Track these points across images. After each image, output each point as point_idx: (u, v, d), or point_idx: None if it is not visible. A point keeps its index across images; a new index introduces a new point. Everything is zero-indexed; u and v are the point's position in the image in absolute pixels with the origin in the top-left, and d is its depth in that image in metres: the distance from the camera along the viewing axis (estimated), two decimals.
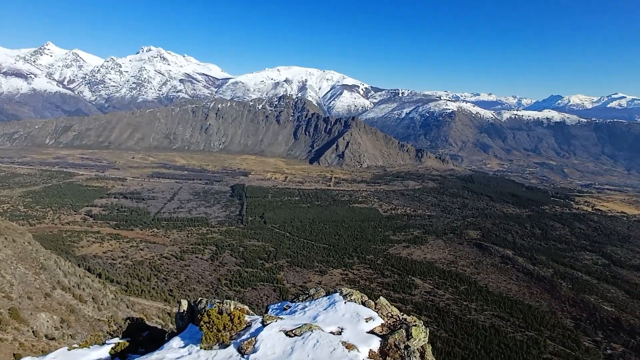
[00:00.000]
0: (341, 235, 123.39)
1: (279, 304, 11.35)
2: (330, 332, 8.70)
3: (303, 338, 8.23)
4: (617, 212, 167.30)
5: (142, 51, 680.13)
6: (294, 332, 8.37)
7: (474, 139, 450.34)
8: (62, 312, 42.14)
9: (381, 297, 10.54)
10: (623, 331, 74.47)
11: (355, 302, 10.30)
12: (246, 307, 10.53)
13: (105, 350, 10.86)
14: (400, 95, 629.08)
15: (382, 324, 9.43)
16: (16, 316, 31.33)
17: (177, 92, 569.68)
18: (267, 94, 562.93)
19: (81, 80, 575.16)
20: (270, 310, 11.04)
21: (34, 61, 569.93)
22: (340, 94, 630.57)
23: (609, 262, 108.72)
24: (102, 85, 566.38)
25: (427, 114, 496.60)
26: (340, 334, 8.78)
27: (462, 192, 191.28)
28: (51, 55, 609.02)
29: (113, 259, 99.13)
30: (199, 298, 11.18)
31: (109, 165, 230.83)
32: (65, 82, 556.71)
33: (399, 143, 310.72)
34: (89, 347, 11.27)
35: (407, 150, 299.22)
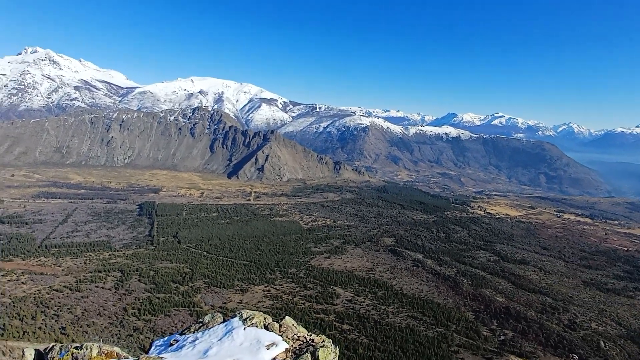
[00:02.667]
0: (262, 250, 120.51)
1: (166, 338, 9.86)
2: None
3: None
4: (503, 215, 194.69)
5: (26, 52, 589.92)
6: None
7: (386, 152, 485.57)
8: None
9: (287, 317, 9.77)
10: (512, 318, 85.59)
11: (257, 326, 9.26)
12: (116, 350, 8.69)
13: None
14: (317, 109, 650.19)
15: (286, 349, 8.44)
16: None
17: (72, 100, 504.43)
18: (179, 105, 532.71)
19: None
20: (153, 347, 9.39)
21: None
22: (259, 107, 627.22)
23: (498, 258, 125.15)
24: None
25: (344, 128, 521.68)
26: None
27: (377, 202, 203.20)
28: None
29: None
30: (52, 344, 8.97)
31: None
32: None
33: (317, 156, 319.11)
34: None
35: (325, 163, 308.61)
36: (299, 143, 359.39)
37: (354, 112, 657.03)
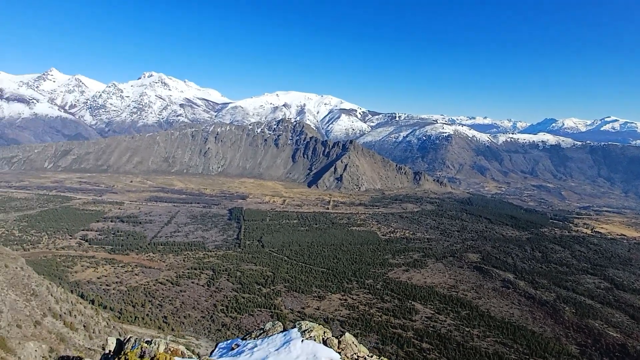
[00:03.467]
0: (340, 259, 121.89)
1: (229, 342, 10.13)
2: None
3: None
4: (617, 235, 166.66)
5: (144, 77, 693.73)
6: None
7: (470, 161, 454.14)
8: (52, 340, 40.92)
9: (347, 334, 9.16)
10: (630, 358, 72.49)
11: (315, 340, 8.77)
12: (181, 348, 8.98)
13: None
14: (397, 118, 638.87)
15: None
16: (3, 345, 30.36)
17: (177, 116, 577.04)
18: (265, 117, 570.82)
19: (83, 105, 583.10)
20: (217, 349, 9.75)
21: (37, 87, 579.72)
22: (338, 117, 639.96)
23: (611, 286, 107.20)
24: (104, 110, 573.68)
25: (424, 137, 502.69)
26: None
27: (460, 215, 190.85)
28: (54, 81, 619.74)
29: (107, 285, 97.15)
30: (129, 336, 9.57)
31: (106, 189, 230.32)
32: (66, 107, 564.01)
33: (396, 166, 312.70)
34: None
35: (404, 173, 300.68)
36: (378, 153, 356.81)
37: (436, 121, 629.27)
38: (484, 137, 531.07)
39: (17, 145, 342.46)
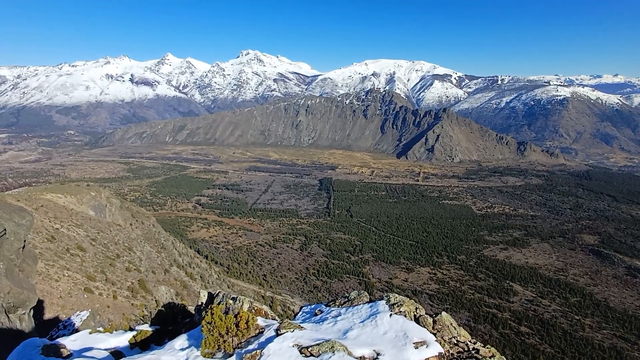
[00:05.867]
0: (430, 233, 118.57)
1: (313, 306, 9.58)
2: (360, 358, 6.54)
3: None
4: None
5: (242, 55, 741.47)
6: (310, 350, 6.50)
7: (592, 129, 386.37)
8: (177, 286, 49.03)
9: (444, 314, 7.97)
10: None
11: (406, 316, 7.79)
12: (265, 308, 8.80)
13: (125, 338, 9.89)
14: (499, 82, 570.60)
15: (439, 353, 6.84)
16: (144, 286, 37.71)
17: (271, 91, 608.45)
18: (354, 88, 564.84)
19: (193, 84, 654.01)
20: (301, 312, 9.44)
21: (157, 70, 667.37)
22: (431, 84, 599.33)
23: None
24: (209, 89, 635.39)
25: (532, 102, 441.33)
26: None
27: (575, 191, 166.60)
28: (170, 65, 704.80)
29: (217, 244, 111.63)
30: (218, 290, 9.71)
31: (214, 159, 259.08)
32: (180, 87, 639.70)
33: (497, 135, 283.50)
34: (111, 333, 10.50)
35: (506, 143, 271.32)
36: (475, 121, 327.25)
37: (549, 82, 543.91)
38: (612, 98, 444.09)
39: (145, 122, 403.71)
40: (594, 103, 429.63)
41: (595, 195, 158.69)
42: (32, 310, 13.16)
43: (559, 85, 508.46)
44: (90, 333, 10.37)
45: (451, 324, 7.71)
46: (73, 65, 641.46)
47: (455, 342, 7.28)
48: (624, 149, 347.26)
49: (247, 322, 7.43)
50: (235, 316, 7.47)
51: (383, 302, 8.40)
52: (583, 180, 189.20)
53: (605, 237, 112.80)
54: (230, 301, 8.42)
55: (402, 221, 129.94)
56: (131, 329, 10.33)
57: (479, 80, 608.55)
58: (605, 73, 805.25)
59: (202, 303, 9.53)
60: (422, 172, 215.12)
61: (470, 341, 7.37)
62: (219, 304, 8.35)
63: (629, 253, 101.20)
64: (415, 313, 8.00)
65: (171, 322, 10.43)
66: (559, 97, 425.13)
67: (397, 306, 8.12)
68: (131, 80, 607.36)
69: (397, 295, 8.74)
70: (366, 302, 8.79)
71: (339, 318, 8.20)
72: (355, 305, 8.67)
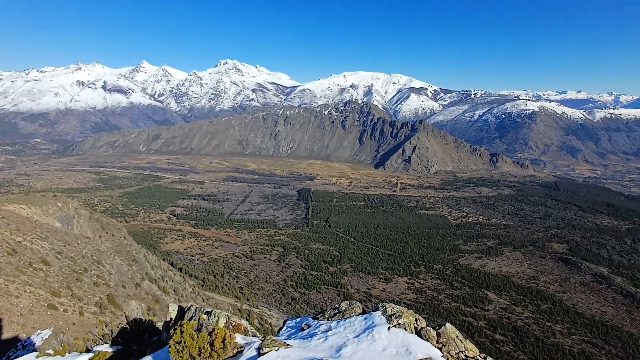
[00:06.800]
0: (407, 243, 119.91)
1: (299, 319, 8.70)
2: None
3: None
4: None
5: (220, 64, 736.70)
6: None
7: (559, 141, 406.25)
8: (149, 301, 46.97)
9: (448, 325, 7.31)
10: None
11: (406, 328, 7.03)
12: (244, 324, 7.88)
13: None
14: (472, 96, 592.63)
15: None
16: (113, 302, 35.87)
17: (250, 100, 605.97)
18: (333, 99, 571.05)
19: (169, 93, 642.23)
20: (285, 327, 8.49)
21: (132, 78, 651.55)
22: (407, 97, 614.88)
23: None
24: (186, 97, 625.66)
25: (503, 116, 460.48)
26: None
27: (544, 201, 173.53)
28: (145, 72, 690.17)
29: (192, 255, 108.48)
30: (189, 304, 8.66)
31: (190, 169, 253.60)
32: (155, 96, 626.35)
33: (470, 147, 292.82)
34: (63, 355, 9.32)
35: (480, 155, 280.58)
36: (450, 133, 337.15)
37: (518, 97, 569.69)
38: (576, 113, 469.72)
39: (118, 130, 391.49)
40: (560, 117, 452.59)
41: (563, 205, 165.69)
42: None
43: (528, 99, 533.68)
44: (37, 357, 9.34)
45: (457, 336, 7.09)
46: (41, 71, 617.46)
47: (464, 357, 6.65)
48: (587, 161, 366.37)
49: (223, 341, 6.55)
50: (210, 334, 6.60)
51: (379, 313, 7.65)
52: (551, 190, 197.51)
53: (573, 245, 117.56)
54: (204, 316, 7.52)
55: (380, 231, 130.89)
56: (88, 350, 9.28)
57: (454, 93, 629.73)
58: (569, 89, 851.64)
59: (171, 319, 8.54)
60: (400, 183, 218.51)
61: (480, 356, 6.82)
62: (190, 319, 7.43)
63: (595, 260, 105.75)
64: (415, 325, 7.32)
65: (136, 341, 9.40)
66: (528, 111, 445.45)
67: (396, 317, 7.38)
68: (104, 87, 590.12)
69: (394, 305, 7.98)
70: (359, 314, 8.02)
71: (329, 333, 7.38)
72: (347, 318, 7.86)
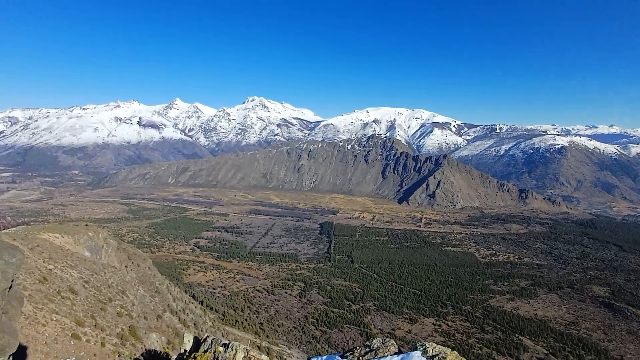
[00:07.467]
0: (433, 281, 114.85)
1: (325, 358, 7.96)
2: None
3: None
4: None
5: (247, 101, 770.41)
6: None
7: (592, 177, 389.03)
8: (169, 334, 46.52)
9: None
10: None
11: None
12: (264, 358, 7.24)
13: None
14: (497, 131, 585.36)
15: None
16: (134, 333, 35.78)
17: (275, 135, 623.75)
18: (356, 134, 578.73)
19: (198, 128, 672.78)
20: None
21: (165, 114, 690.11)
22: (431, 132, 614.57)
23: None
24: (214, 132, 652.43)
25: (531, 150, 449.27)
26: None
27: (580, 239, 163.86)
28: (177, 109, 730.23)
29: (213, 288, 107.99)
30: (205, 335, 8.18)
31: (215, 201, 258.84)
32: (186, 131, 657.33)
33: (497, 182, 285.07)
34: None
35: (507, 190, 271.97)
36: (475, 168, 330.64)
37: (545, 131, 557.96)
38: (610, 148, 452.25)
39: (149, 163, 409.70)
40: (592, 152, 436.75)
41: (601, 245, 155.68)
42: (11, 357, 12.25)
43: (557, 134, 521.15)
44: None
45: None
46: (84, 108, 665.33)
47: None
48: (625, 198, 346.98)
49: None
50: None
51: (418, 353, 6.77)
52: (587, 228, 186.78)
53: (616, 289, 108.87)
54: (221, 348, 6.91)
55: (404, 268, 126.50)
56: None
57: (478, 128, 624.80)
58: (600, 124, 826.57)
59: (185, 350, 7.98)
60: (424, 218, 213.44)
61: None
62: (205, 351, 6.88)
63: None
64: None
65: None
66: (557, 146, 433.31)
67: (438, 359, 6.51)
68: (139, 123, 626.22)
69: (435, 345, 7.03)
70: (394, 354, 7.13)
71: None
72: (382, 357, 6.99)
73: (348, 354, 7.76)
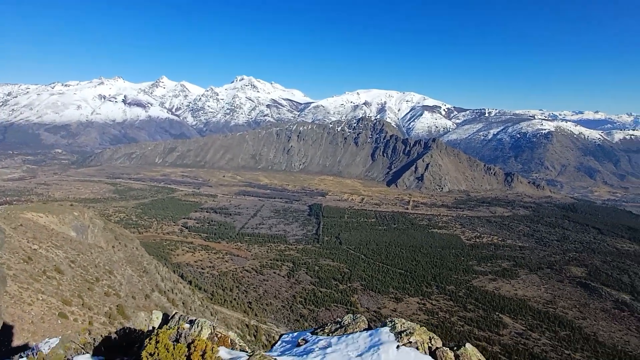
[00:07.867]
0: (419, 262, 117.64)
1: (295, 334, 7.77)
2: None
3: None
4: None
5: (236, 80, 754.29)
6: None
7: (576, 162, 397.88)
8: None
9: (468, 345, 6.46)
10: None
11: (418, 348, 6.08)
12: (231, 335, 6.93)
13: None
14: (486, 115, 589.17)
15: None
16: (122, 312, 35.90)
17: (264, 116, 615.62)
18: (346, 116, 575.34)
19: (186, 107, 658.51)
20: (280, 342, 7.57)
21: (151, 92, 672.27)
22: (421, 115, 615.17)
23: None
24: (202, 112, 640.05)
25: (518, 135, 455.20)
26: None
27: (561, 222, 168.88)
28: (164, 87, 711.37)
29: (202, 268, 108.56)
30: (174, 312, 7.80)
31: (203, 182, 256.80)
32: (173, 110, 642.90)
33: (485, 166, 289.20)
34: None
35: (494, 174, 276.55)
36: (464, 152, 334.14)
37: (533, 116, 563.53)
38: (594, 134, 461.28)
39: (135, 143, 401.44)
40: (577, 138, 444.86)
41: (581, 228, 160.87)
42: None
43: (544, 119, 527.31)
44: None
45: (479, 359, 6.21)
46: (66, 85, 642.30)
47: None
48: (607, 182, 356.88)
49: (203, 354, 5.59)
50: (189, 346, 5.71)
51: (386, 329, 6.70)
52: (569, 212, 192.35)
53: (592, 270, 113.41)
54: (186, 325, 6.65)
55: (391, 249, 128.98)
56: None
57: (467, 112, 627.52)
58: (586, 109, 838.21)
59: (153, 327, 7.65)
60: (412, 201, 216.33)
61: None
62: (169, 328, 6.60)
63: (616, 286, 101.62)
64: (430, 344, 6.46)
65: (121, 351, 8.39)
66: (543, 131, 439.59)
67: (406, 335, 6.44)
68: (124, 101, 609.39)
69: (404, 320, 6.99)
70: (364, 330, 7.13)
71: (328, 350, 6.44)
72: (350, 334, 6.96)
73: (319, 330, 7.79)
